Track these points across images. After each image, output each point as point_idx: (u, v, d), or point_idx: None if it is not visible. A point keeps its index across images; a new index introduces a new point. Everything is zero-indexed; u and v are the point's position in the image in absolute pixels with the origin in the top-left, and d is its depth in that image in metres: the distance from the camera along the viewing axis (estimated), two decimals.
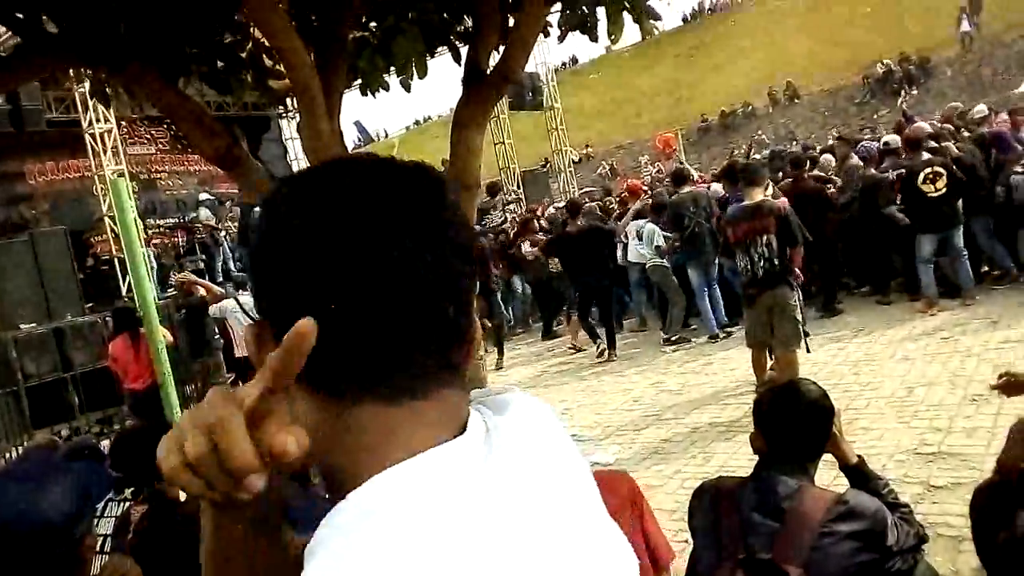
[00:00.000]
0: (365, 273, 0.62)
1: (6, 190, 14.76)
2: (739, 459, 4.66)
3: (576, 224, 9.04)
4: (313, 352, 0.55)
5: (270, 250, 0.66)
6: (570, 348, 9.70)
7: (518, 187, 22.22)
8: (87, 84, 12.33)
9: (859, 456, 2.29)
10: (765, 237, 5.34)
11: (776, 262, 5.35)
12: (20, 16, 3.12)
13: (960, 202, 7.21)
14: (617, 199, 11.72)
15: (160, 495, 3.05)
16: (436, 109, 60.34)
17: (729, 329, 8.30)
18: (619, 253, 9.47)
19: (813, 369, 5.99)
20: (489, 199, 15.55)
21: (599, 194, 14.38)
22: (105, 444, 6.83)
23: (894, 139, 8.68)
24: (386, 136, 53.79)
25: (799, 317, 5.51)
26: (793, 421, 2.07)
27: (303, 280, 0.63)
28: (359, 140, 46.00)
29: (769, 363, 5.73)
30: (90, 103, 13.14)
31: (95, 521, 1.95)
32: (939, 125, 9.77)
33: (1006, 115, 9.36)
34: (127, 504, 3.17)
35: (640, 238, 9.28)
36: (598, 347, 8.78)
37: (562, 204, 12.95)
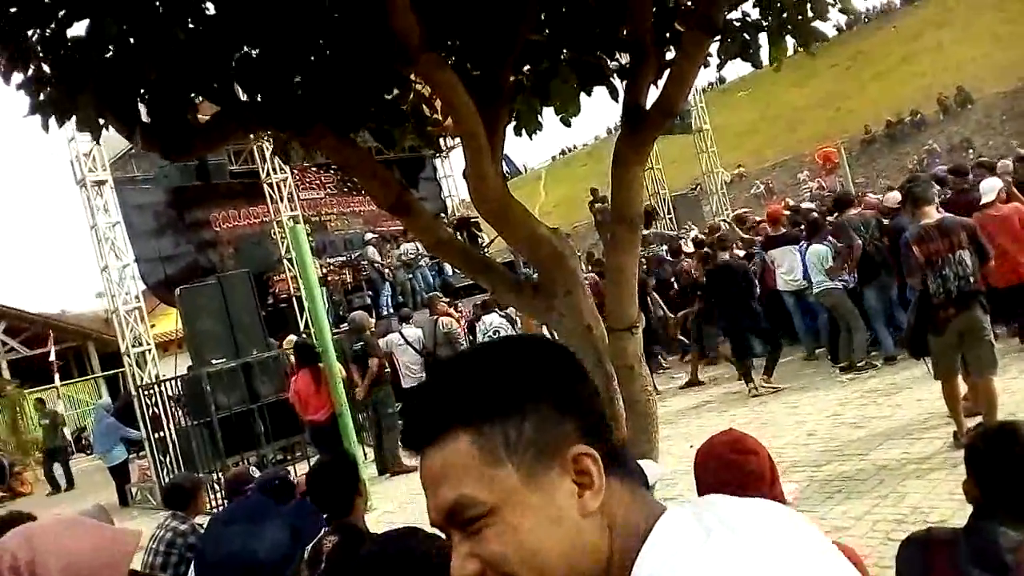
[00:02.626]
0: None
1: (196, 237, 16.21)
2: (935, 500, 4.30)
3: (715, 260, 8.99)
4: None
5: None
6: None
7: (669, 212, 21.90)
8: (266, 142, 13.43)
9: None
10: (958, 254, 4.98)
11: (972, 280, 4.97)
12: (215, 86, 3.44)
13: None
14: (753, 226, 11.37)
15: (350, 527, 3.20)
16: (580, 139, 60.77)
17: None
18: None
19: (1012, 399, 5.47)
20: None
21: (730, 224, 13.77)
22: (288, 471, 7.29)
23: None
24: (528, 169, 54.72)
25: (993, 341, 5.10)
26: (1013, 469, 1.89)
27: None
28: (508, 173, 47.08)
29: (963, 393, 5.29)
30: (267, 155, 14.26)
31: (303, 558, 2.07)
32: None
33: None
34: (321, 533, 3.33)
35: (780, 266, 9.05)
36: (750, 389, 8.45)
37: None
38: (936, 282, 5.03)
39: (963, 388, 5.29)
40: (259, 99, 3.45)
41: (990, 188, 7.11)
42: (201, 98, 3.60)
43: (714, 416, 7.80)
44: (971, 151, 24.99)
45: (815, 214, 9.91)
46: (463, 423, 0.77)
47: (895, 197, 8.35)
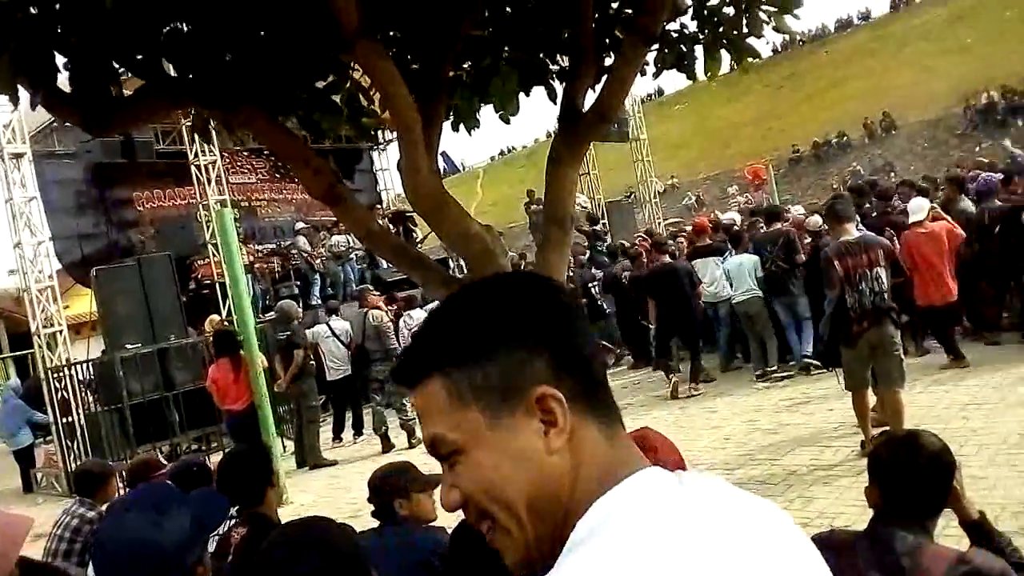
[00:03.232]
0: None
1: (117, 216, 15.62)
2: (840, 505, 4.47)
3: (656, 262, 9.25)
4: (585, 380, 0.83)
5: None
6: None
7: (603, 217, 22.13)
8: (195, 119, 13.05)
9: (980, 512, 2.17)
10: (875, 271, 5.19)
11: (886, 296, 5.19)
12: (140, 58, 3.32)
13: None
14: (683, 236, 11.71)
15: (261, 517, 3.12)
16: (520, 140, 61.05)
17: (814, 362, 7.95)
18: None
19: (918, 412, 5.72)
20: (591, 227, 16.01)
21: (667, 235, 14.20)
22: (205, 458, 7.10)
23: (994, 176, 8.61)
24: (466, 167, 54.59)
25: (903, 356, 5.33)
26: (913, 476, 1.98)
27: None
28: (446, 170, 46.94)
29: (872, 405, 5.50)
30: (196, 136, 13.84)
31: (207, 547, 2.00)
32: None
33: None
34: (229, 524, 3.25)
35: (705, 276, 9.25)
36: (671, 384, 8.67)
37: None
38: (853, 296, 5.22)
39: (872, 400, 5.52)
40: (186, 75, 3.34)
41: (919, 207, 7.50)
42: (126, 71, 3.48)
43: (636, 418, 7.90)
44: (893, 174, 26.03)
45: (736, 227, 10.25)
46: (436, 369, 0.83)
47: (816, 221, 8.65)
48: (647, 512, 0.73)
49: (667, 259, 9.21)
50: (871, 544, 1.94)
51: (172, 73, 3.51)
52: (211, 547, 3.21)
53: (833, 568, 1.92)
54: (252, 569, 1.61)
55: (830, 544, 2.00)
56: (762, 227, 9.27)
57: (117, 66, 3.33)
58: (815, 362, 7.87)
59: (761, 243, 8.70)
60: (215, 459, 7.90)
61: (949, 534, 2.46)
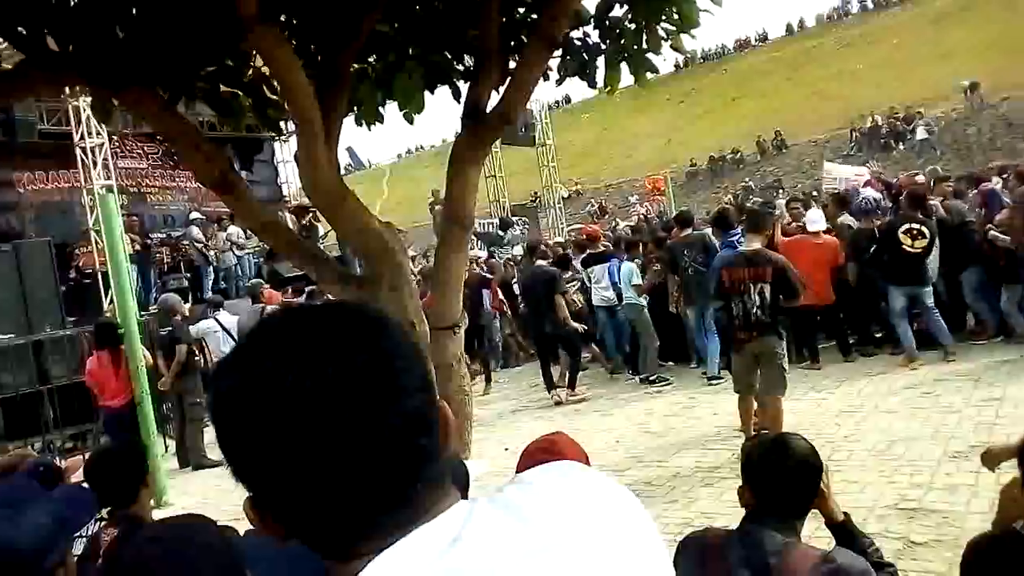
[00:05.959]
0: (331, 465, 0.68)
1: None
2: (721, 505, 4.63)
3: (528, 269, 9.35)
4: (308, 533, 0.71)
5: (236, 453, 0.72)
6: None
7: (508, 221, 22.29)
8: (81, 98, 12.38)
9: (845, 513, 2.29)
10: (759, 285, 5.35)
11: (768, 312, 5.37)
12: (23, 31, 3.13)
13: (933, 261, 7.34)
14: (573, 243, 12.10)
15: (133, 518, 2.97)
16: (428, 139, 60.80)
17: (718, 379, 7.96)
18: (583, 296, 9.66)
19: (795, 419, 5.99)
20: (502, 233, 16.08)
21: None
22: (79, 459, 6.71)
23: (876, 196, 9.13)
24: (372, 164, 53.92)
25: (785, 366, 5.56)
26: (782, 477, 2.07)
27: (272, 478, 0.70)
28: (351, 167, 46.22)
29: (754, 409, 5.73)
30: (83, 116, 13.14)
31: (71, 548, 1.90)
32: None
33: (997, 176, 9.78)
34: (99, 524, 3.08)
35: (599, 281, 9.31)
36: (552, 397, 8.76)
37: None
38: (737, 307, 5.42)
39: (756, 405, 5.75)
40: (71, 50, 3.17)
41: (818, 218, 8.17)
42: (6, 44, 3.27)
43: (530, 421, 7.99)
44: (781, 191, 27.25)
45: (631, 234, 10.53)
46: None
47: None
48: None
49: (539, 263, 9.32)
50: (742, 543, 2.02)
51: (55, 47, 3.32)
52: (79, 548, 3.05)
53: (706, 565, 2.00)
54: (120, 570, 1.52)
55: (703, 543, 2.07)
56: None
57: None
58: (719, 377, 7.92)
59: (678, 250, 8.52)
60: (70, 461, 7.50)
61: (820, 536, 2.59)
